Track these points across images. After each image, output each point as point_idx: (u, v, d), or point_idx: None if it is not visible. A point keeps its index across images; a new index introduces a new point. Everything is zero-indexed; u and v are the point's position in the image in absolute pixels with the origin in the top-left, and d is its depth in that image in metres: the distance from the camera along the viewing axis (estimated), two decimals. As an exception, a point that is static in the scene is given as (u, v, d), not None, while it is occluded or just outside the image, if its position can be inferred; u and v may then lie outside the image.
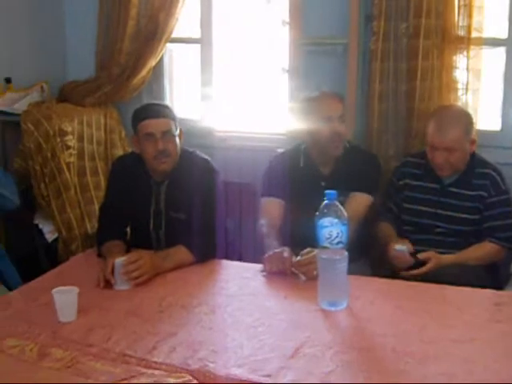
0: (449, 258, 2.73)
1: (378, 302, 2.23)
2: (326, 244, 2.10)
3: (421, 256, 2.70)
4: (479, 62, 3.17)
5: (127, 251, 2.59)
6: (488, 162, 2.90)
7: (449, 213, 2.85)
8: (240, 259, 2.80)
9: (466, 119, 2.85)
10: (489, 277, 2.75)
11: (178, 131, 2.68)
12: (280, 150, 3.18)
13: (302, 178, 2.90)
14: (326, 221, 2.09)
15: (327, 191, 2.13)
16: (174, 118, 2.68)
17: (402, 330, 2.01)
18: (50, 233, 3.60)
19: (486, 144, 3.09)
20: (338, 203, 2.12)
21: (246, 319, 2.11)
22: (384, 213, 3.02)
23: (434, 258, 2.68)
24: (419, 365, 1.79)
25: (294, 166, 2.94)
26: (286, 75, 3.64)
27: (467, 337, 1.96)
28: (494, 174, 2.84)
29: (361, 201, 2.84)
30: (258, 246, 2.78)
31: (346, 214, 2.12)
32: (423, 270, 2.66)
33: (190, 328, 2.05)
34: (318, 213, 2.12)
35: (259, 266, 2.53)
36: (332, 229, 2.09)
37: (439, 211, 2.87)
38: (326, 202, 2.12)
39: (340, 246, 2.10)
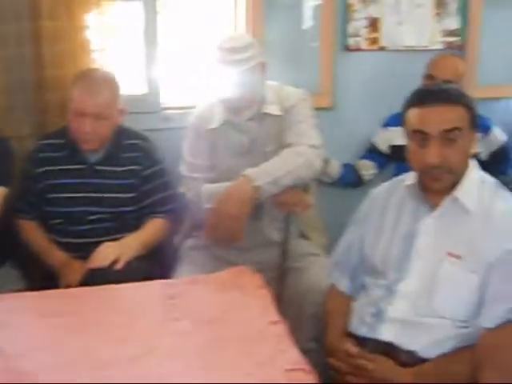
0: None
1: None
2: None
3: None
4: (114, 19, 2.85)
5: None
6: (137, 132, 2.70)
7: (103, 195, 2.56)
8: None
9: (115, 84, 2.58)
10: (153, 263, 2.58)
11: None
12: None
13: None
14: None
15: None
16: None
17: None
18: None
19: (131, 110, 2.72)
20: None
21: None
22: (24, 208, 2.61)
23: None
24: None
25: None
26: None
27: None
28: (144, 144, 2.65)
29: None
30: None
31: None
32: None
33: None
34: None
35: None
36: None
37: (91, 194, 2.56)
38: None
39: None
